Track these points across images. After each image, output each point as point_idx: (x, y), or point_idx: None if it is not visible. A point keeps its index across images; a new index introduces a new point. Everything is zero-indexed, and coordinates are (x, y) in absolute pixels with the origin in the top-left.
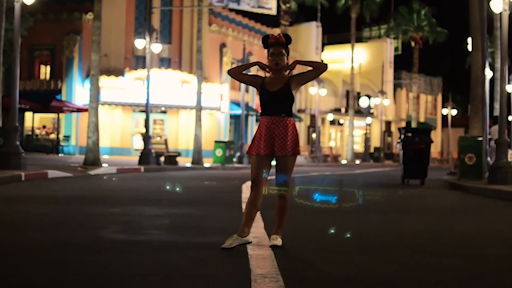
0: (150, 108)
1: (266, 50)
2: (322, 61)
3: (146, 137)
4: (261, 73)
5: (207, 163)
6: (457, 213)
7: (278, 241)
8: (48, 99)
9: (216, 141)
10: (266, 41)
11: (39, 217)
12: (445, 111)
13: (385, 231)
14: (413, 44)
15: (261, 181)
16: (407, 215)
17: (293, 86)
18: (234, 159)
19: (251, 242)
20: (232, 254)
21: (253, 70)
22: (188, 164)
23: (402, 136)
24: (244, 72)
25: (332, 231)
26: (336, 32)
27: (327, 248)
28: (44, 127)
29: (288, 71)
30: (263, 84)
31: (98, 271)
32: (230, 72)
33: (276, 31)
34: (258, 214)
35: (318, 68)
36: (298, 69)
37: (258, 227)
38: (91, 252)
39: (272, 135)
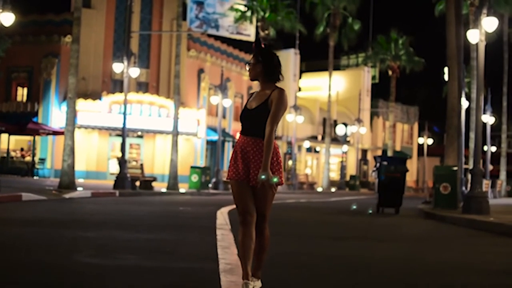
0: (126, 132)
1: (243, 77)
2: (299, 88)
3: (122, 162)
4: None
5: (182, 188)
6: (431, 242)
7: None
8: (24, 121)
9: (192, 167)
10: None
11: (12, 240)
12: (421, 140)
13: (358, 259)
14: (390, 73)
15: (251, 212)
16: (381, 243)
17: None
18: (210, 185)
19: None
20: (204, 281)
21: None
22: (164, 189)
23: (378, 165)
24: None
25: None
26: (314, 60)
27: (303, 273)
28: (22, 149)
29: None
30: (248, 100)
31: None
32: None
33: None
34: (231, 240)
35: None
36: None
37: (231, 253)
38: (64, 275)
39: (247, 159)
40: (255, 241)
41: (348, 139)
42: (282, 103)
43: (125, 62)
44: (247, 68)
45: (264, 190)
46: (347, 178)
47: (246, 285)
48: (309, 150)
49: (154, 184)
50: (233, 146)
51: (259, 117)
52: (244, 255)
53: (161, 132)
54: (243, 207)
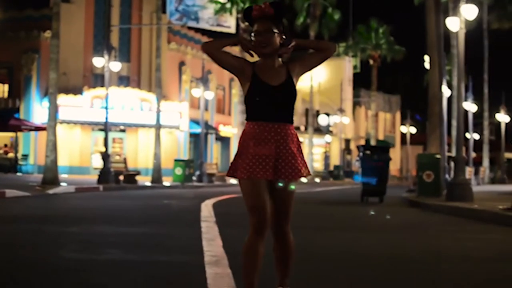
0: (109, 126)
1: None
2: None
3: (105, 156)
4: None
5: (166, 181)
6: (417, 230)
7: None
8: (6, 117)
9: (175, 160)
10: (249, 15)
11: None
12: (404, 129)
13: (343, 249)
14: (371, 62)
15: (267, 210)
16: (366, 233)
17: (294, 76)
18: (194, 178)
19: None
20: (191, 273)
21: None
22: (148, 183)
23: (361, 154)
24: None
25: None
26: (295, 50)
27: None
28: (5, 145)
29: (283, 55)
30: (255, 72)
31: None
32: (205, 47)
33: (235, 50)
34: (216, 232)
35: (324, 50)
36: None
37: (216, 245)
38: (50, 271)
39: (273, 150)
40: (277, 248)
41: (330, 129)
42: None
43: (106, 57)
44: (259, 40)
45: (287, 188)
46: (331, 168)
47: None
48: None
49: (138, 178)
50: (217, 139)
51: (286, 96)
52: (248, 267)
53: (143, 126)
54: (262, 213)
